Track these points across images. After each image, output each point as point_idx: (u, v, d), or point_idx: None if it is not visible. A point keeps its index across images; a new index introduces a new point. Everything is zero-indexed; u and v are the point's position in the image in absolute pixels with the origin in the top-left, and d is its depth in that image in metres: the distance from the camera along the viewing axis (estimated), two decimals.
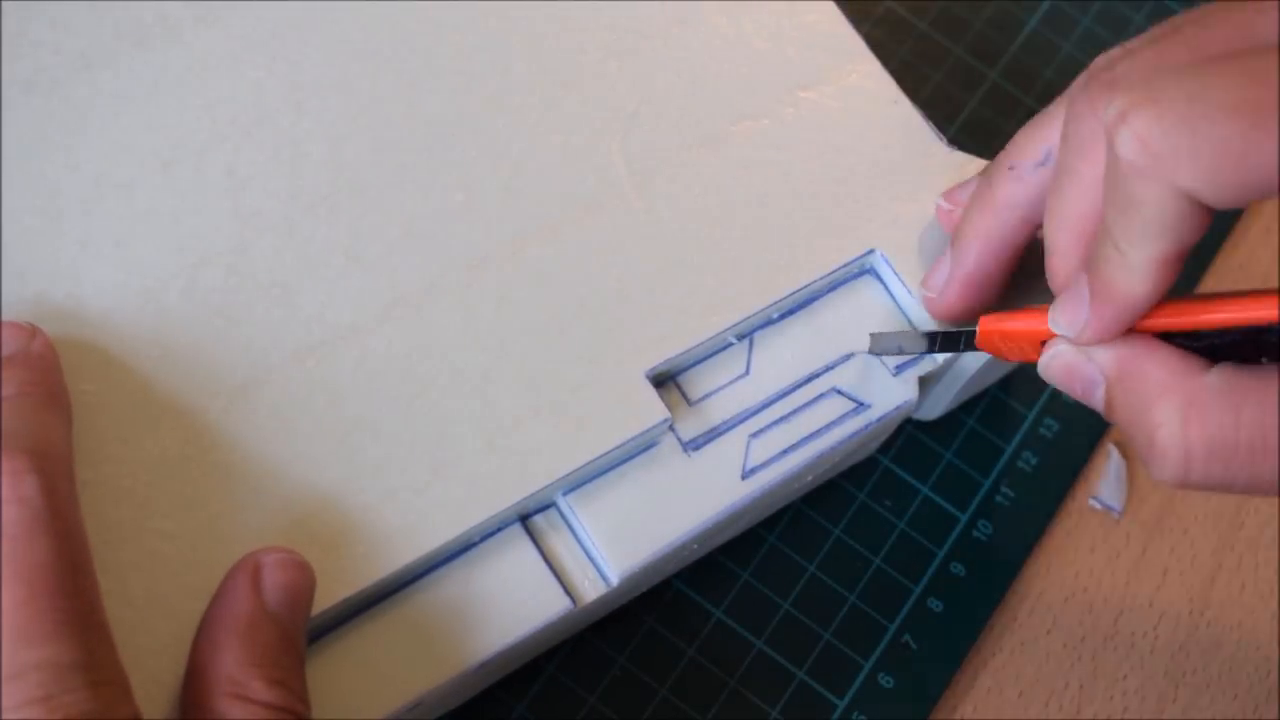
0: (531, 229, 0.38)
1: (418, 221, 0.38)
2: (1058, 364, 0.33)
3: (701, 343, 0.38)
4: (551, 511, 0.36)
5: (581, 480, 0.36)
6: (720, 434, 0.37)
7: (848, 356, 0.39)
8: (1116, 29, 0.52)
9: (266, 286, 0.36)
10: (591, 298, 0.38)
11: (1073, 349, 0.33)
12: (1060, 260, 0.34)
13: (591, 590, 0.36)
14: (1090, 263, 0.32)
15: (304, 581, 0.32)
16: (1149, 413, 0.31)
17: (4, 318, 0.34)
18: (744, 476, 0.37)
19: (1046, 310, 0.34)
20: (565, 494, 0.36)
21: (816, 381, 0.38)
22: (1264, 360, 0.31)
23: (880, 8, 0.50)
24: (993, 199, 0.37)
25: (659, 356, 0.37)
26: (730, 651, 0.42)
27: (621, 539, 0.36)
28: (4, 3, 0.37)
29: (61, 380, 0.33)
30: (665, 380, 0.38)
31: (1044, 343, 0.34)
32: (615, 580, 0.36)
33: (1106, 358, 0.32)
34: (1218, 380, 0.31)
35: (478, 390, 0.36)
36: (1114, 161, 0.29)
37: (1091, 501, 0.46)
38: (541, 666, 0.40)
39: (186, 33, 0.38)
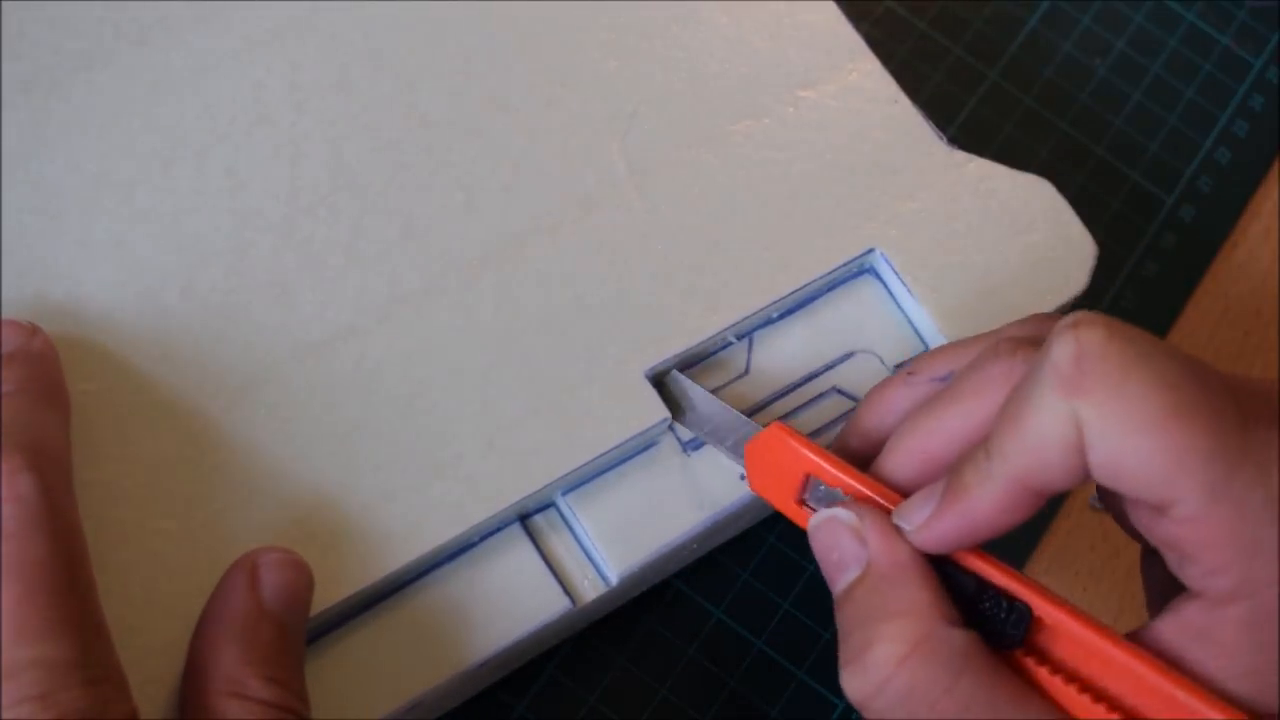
0: (531, 229, 0.38)
1: (417, 221, 0.38)
2: (830, 526, 0.32)
3: (701, 342, 0.38)
4: (551, 511, 0.36)
5: (581, 480, 0.36)
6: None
7: (847, 356, 0.39)
8: (1116, 29, 0.52)
9: (266, 286, 0.36)
10: (591, 297, 0.38)
11: (854, 521, 0.32)
12: (897, 469, 0.33)
13: (591, 590, 0.36)
14: (954, 468, 0.31)
15: (301, 581, 0.32)
16: (880, 624, 0.30)
17: (4, 316, 0.34)
18: (743, 476, 0.37)
19: (838, 459, 0.33)
20: (565, 494, 0.36)
21: (816, 381, 0.39)
22: (1005, 638, 0.30)
23: (880, 8, 0.50)
24: (880, 398, 0.35)
25: (659, 356, 0.37)
26: (730, 651, 0.42)
27: (621, 539, 0.36)
28: (4, 3, 0.37)
29: (61, 379, 0.33)
30: (665, 380, 0.38)
31: (805, 499, 0.33)
32: (615, 580, 0.36)
33: (882, 548, 0.31)
34: (960, 642, 0.30)
35: (477, 390, 0.36)
36: (1037, 367, 0.29)
37: (1091, 501, 0.46)
38: (541, 666, 0.40)
39: (186, 33, 0.38)
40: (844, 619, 0.31)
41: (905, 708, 0.30)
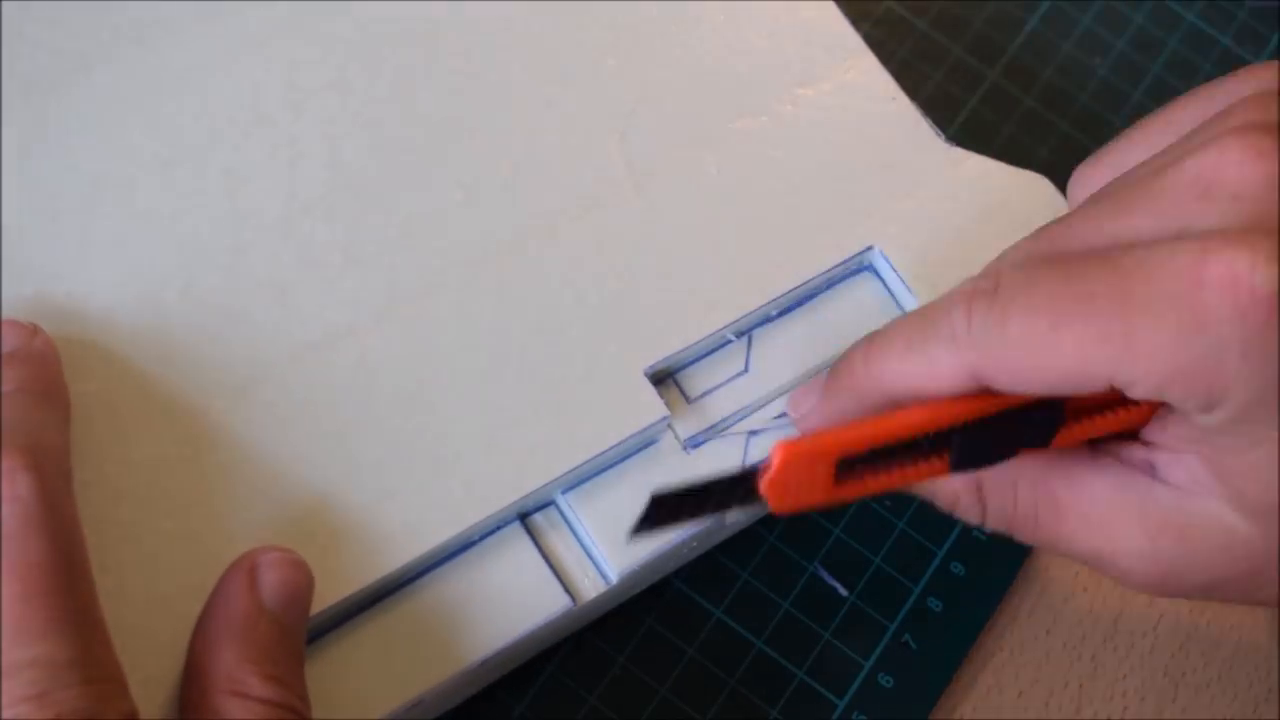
0: (530, 227, 0.38)
1: (416, 220, 0.38)
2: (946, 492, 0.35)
3: (700, 340, 0.38)
4: (551, 510, 0.36)
5: (581, 478, 0.36)
6: (720, 432, 0.37)
7: None
8: (1116, 29, 0.52)
9: (265, 286, 0.36)
10: (590, 296, 0.38)
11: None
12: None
13: (591, 588, 0.36)
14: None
15: (301, 580, 0.32)
16: (955, 482, 0.35)
17: (4, 316, 0.34)
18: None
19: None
20: (565, 492, 0.36)
21: (815, 379, 0.38)
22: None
23: (880, 7, 0.50)
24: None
25: (658, 354, 0.37)
26: (730, 651, 0.41)
27: (621, 537, 0.36)
28: (4, 3, 0.37)
29: (61, 379, 0.33)
30: (664, 378, 0.38)
31: (837, 473, 0.33)
32: (615, 578, 0.36)
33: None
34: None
35: (477, 389, 0.36)
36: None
37: None
38: (541, 666, 0.40)
39: (186, 33, 0.38)
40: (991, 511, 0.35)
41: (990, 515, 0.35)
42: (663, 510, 0.33)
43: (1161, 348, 0.29)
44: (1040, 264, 0.31)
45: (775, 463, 0.32)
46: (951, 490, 0.35)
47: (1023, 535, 0.35)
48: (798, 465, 0.32)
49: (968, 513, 0.35)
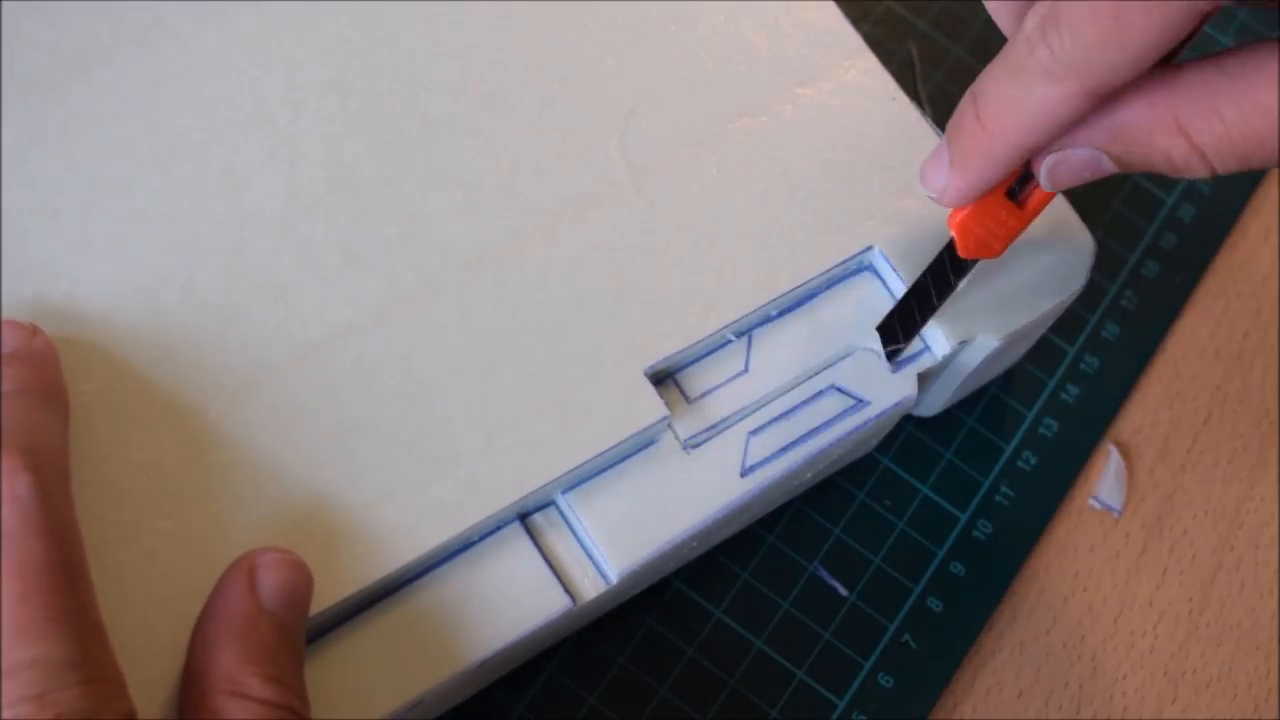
0: (530, 227, 0.38)
1: (416, 220, 0.38)
2: (1062, 170, 0.34)
3: (700, 340, 0.38)
4: (551, 510, 0.36)
5: (581, 478, 0.36)
6: (719, 431, 0.37)
7: (847, 353, 0.39)
8: None
9: (265, 286, 0.36)
10: (590, 296, 0.38)
11: (1054, 158, 0.34)
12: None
13: (591, 588, 0.36)
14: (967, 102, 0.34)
15: (300, 580, 0.32)
16: (1154, 144, 0.32)
17: (4, 316, 0.34)
18: (743, 474, 0.37)
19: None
20: (564, 492, 0.36)
21: (816, 379, 0.38)
22: None
23: (880, 7, 0.50)
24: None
25: (658, 354, 0.37)
26: (730, 651, 0.42)
27: (621, 537, 0.36)
28: (4, 3, 0.37)
29: (60, 379, 0.33)
30: (664, 378, 0.38)
31: (1015, 186, 0.35)
32: (615, 578, 0.36)
33: (1094, 134, 0.33)
34: (1195, 76, 0.31)
35: (476, 389, 0.36)
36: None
37: (1091, 501, 0.46)
38: (541, 666, 0.40)
39: (185, 33, 0.38)
40: (1137, 167, 0.34)
41: (1232, 146, 0.32)
42: (899, 328, 0.38)
43: None
44: None
45: (956, 223, 0.36)
46: (1161, 147, 0.33)
47: (1263, 151, 0.32)
48: (977, 213, 0.36)
49: (1188, 160, 0.33)
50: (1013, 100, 0.33)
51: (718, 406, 0.38)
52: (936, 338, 0.39)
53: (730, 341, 0.38)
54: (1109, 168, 0.34)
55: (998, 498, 0.45)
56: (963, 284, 0.38)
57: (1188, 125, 0.32)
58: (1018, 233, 0.36)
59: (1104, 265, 0.48)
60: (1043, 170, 0.34)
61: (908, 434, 0.45)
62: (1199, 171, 0.32)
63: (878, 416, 0.38)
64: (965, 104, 0.34)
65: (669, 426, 0.37)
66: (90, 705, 0.27)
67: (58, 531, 0.29)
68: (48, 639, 0.28)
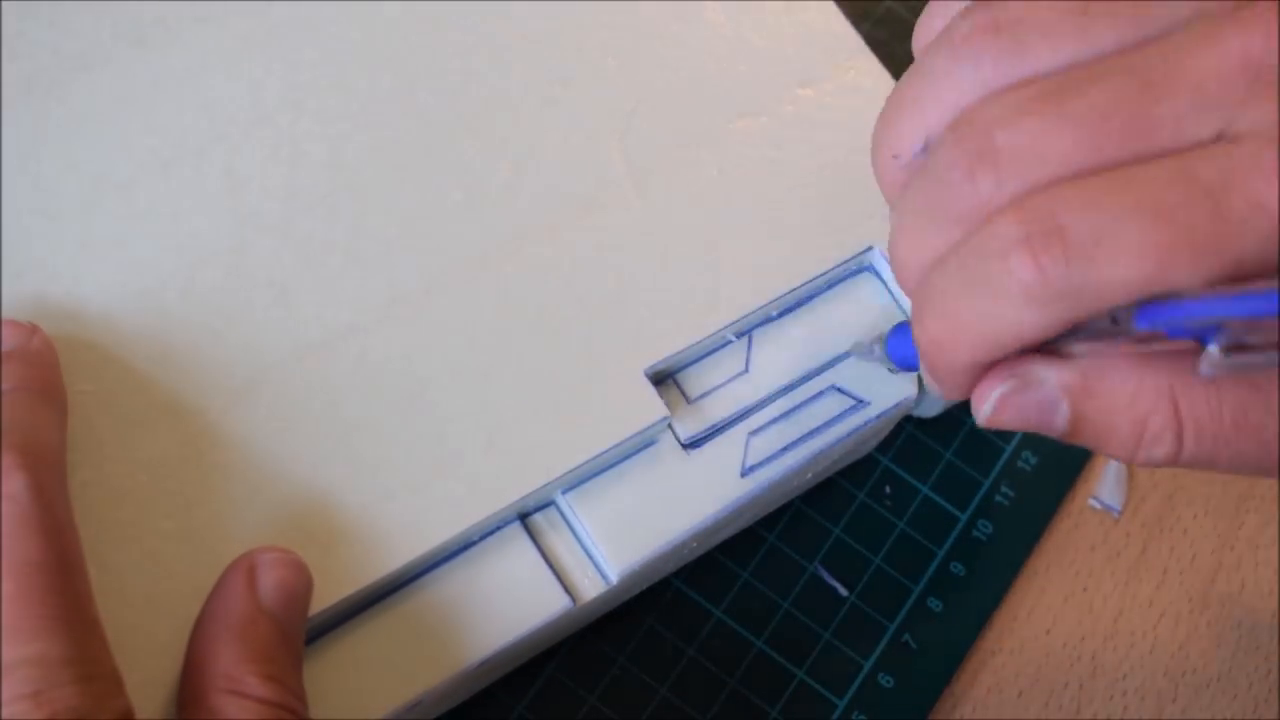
0: (530, 228, 0.38)
1: (416, 221, 0.38)
2: (1010, 405, 0.29)
3: (700, 341, 0.38)
4: (551, 510, 0.36)
5: (581, 479, 0.36)
6: (719, 432, 0.37)
7: (847, 354, 0.39)
8: None
9: (265, 286, 0.36)
10: (590, 296, 0.38)
11: (1019, 384, 0.29)
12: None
13: (591, 589, 0.36)
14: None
15: (299, 580, 0.32)
16: (1133, 407, 0.28)
17: (3, 316, 0.34)
18: (743, 474, 0.37)
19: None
20: (564, 492, 0.36)
21: (816, 379, 0.38)
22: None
23: (880, 8, 0.50)
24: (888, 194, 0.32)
25: (658, 354, 0.37)
26: (730, 651, 0.42)
27: (621, 537, 0.36)
28: (4, 3, 0.37)
29: (59, 378, 0.33)
30: (664, 378, 0.38)
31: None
32: (615, 578, 0.36)
33: (1069, 376, 0.28)
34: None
35: (477, 389, 0.36)
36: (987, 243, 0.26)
37: (1091, 501, 0.46)
38: (541, 666, 0.40)
39: (185, 33, 0.38)
40: (1097, 431, 0.29)
41: (1207, 441, 0.28)
42: None
43: None
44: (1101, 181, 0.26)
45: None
46: (1140, 409, 0.28)
47: (1243, 457, 0.28)
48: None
49: (1160, 435, 0.28)
50: (976, 327, 0.28)
51: (718, 407, 0.38)
52: None
53: (730, 341, 0.38)
54: (1060, 426, 0.29)
55: (998, 498, 0.45)
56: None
57: (1182, 393, 0.28)
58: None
59: None
60: (987, 401, 0.29)
61: (908, 434, 0.45)
62: (1160, 452, 0.28)
63: (878, 417, 0.38)
64: (916, 292, 0.29)
65: (669, 426, 0.37)
66: (87, 703, 0.27)
67: (54, 530, 0.29)
68: (44, 637, 0.28)
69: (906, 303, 0.39)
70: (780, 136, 0.40)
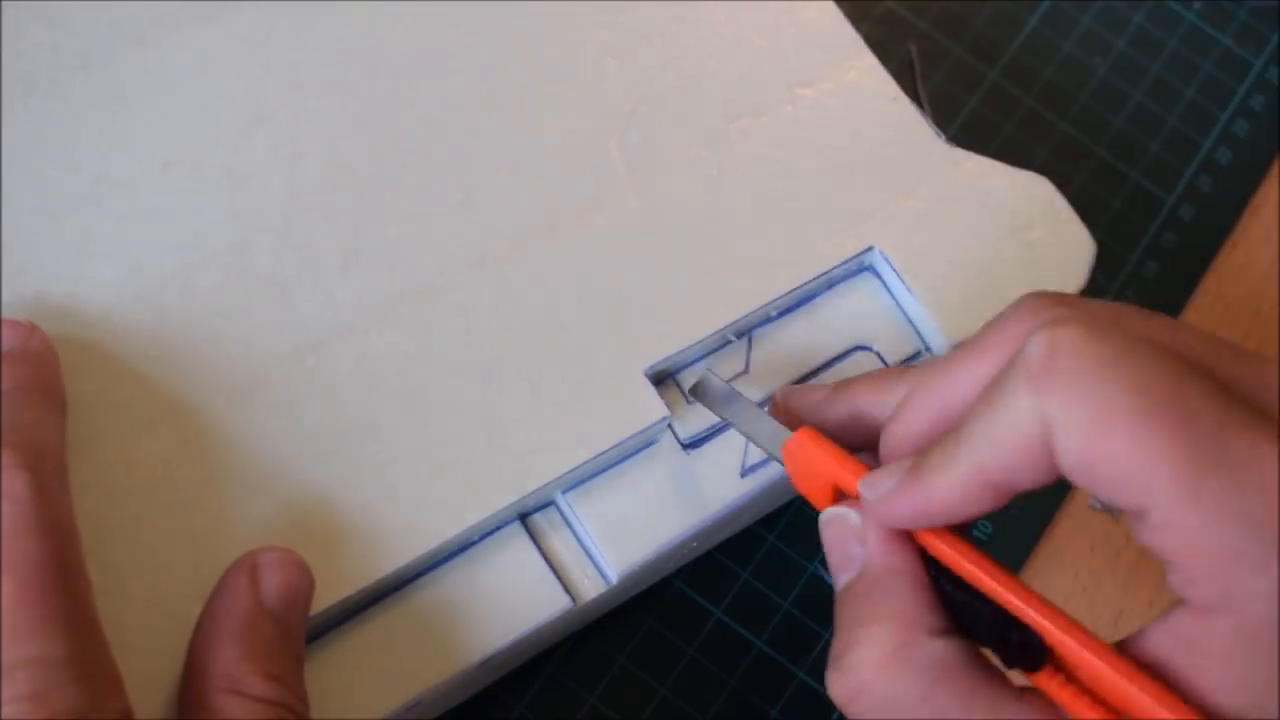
0: (530, 228, 0.38)
1: (416, 221, 0.38)
2: (837, 525, 0.32)
3: (700, 341, 0.38)
4: (551, 510, 0.36)
5: (581, 479, 0.36)
6: (719, 432, 0.37)
7: (847, 354, 0.39)
8: (1116, 29, 0.52)
9: (265, 286, 0.36)
10: (590, 296, 0.38)
11: (856, 522, 0.31)
12: (903, 428, 0.32)
13: (591, 588, 0.36)
14: (925, 447, 0.30)
15: (301, 580, 0.32)
16: (864, 627, 0.30)
17: (3, 316, 0.34)
18: (743, 474, 0.37)
19: (862, 464, 0.32)
20: (565, 492, 0.36)
21: (816, 379, 0.38)
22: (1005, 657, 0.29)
23: (880, 7, 0.50)
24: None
25: (658, 355, 0.37)
26: (730, 651, 0.42)
27: (621, 537, 0.36)
28: (4, 3, 0.37)
29: (58, 378, 0.33)
30: (665, 378, 0.38)
31: (836, 497, 0.33)
32: (615, 578, 0.36)
33: (877, 553, 0.31)
34: (939, 652, 0.29)
35: (477, 389, 0.36)
36: (1013, 360, 0.28)
37: (1091, 501, 0.46)
38: (541, 666, 0.40)
39: (185, 33, 0.38)
40: (838, 617, 0.31)
41: (883, 712, 0.29)
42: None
43: None
44: None
45: (790, 440, 0.34)
46: None
47: None
48: (801, 453, 0.34)
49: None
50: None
51: None
52: (936, 337, 0.39)
53: (730, 341, 0.38)
54: (839, 581, 0.32)
55: None
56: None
57: None
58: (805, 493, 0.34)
59: (1104, 265, 0.48)
60: (826, 512, 0.33)
61: None
62: (836, 688, 0.30)
63: None
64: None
65: (669, 426, 0.37)
66: (87, 703, 0.27)
67: (54, 529, 0.29)
68: (44, 637, 0.28)
69: (905, 303, 0.39)
70: (780, 136, 0.40)
